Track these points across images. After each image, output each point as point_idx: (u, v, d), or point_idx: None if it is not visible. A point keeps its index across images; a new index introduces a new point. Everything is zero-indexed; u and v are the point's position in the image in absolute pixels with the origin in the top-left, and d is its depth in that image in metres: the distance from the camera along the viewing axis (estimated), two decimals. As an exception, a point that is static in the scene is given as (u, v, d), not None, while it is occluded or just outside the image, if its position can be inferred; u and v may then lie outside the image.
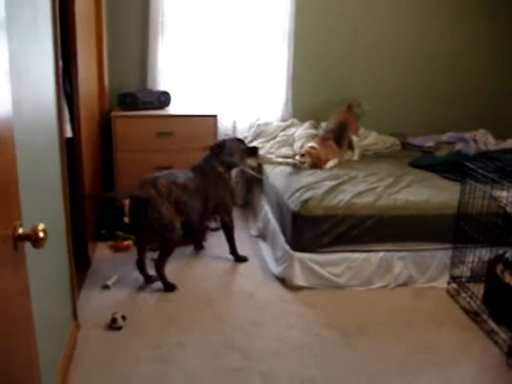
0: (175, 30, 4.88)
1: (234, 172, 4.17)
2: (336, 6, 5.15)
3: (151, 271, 3.63)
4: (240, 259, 4.02)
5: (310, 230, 3.53)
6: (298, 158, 4.28)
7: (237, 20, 4.96)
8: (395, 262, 3.65)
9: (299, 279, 3.57)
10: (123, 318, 3.13)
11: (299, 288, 3.59)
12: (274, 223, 4.08)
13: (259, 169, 4.73)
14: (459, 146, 4.95)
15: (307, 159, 4.28)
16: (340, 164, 4.49)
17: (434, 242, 3.68)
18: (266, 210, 4.35)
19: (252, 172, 4.62)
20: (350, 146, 4.79)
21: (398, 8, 5.25)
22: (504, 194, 3.50)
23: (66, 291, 2.91)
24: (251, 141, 4.93)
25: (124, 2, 4.82)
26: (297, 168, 4.25)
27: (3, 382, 1.30)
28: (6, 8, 1.41)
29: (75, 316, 3.06)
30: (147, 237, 3.67)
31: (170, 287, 3.57)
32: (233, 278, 3.79)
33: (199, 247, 4.23)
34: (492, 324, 3.23)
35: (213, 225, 4.58)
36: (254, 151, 4.08)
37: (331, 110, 5.02)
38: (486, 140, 5.06)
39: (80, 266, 3.77)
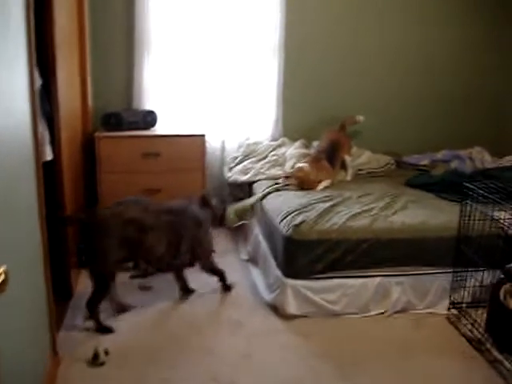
0: (161, 47, 4.73)
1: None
2: (328, 21, 5.04)
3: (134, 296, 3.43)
4: (227, 288, 3.76)
5: (302, 255, 3.36)
6: (281, 180, 4.11)
7: (224, 36, 4.82)
8: (393, 287, 3.48)
9: (292, 307, 3.39)
10: (106, 352, 2.93)
11: (292, 316, 3.40)
12: (264, 247, 3.90)
13: (249, 187, 4.57)
14: (455, 164, 4.82)
15: (293, 182, 4.13)
16: (333, 185, 4.33)
17: (432, 266, 3.51)
18: (257, 232, 4.18)
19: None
20: (343, 166, 4.63)
21: (391, 25, 5.15)
22: (505, 215, 3.35)
23: (45, 326, 2.73)
24: (241, 161, 4.76)
25: (108, 19, 4.67)
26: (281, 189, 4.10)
27: None
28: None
29: (55, 351, 2.87)
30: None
31: (103, 330, 3.22)
32: (221, 306, 3.59)
33: (186, 291, 3.70)
34: (495, 353, 3.06)
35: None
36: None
37: (323, 128, 4.88)
38: (482, 158, 4.92)
39: (62, 296, 3.59)
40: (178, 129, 4.63)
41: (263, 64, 4.92)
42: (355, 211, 3.64)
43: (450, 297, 3.51)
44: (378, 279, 3.46)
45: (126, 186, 4.31)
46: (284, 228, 3.45)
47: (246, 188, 4.60)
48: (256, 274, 4.03)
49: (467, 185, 3.35)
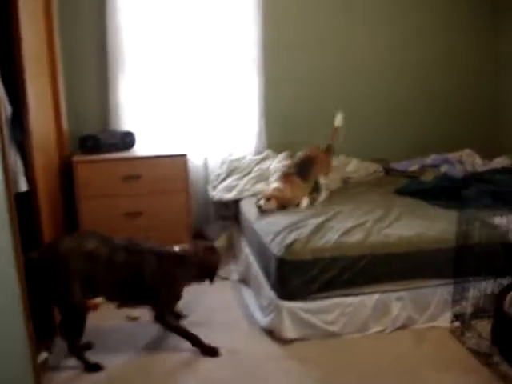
0: (136, 63, 4.56)
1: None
2: (309, 28, 4.91)
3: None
4: (207, 351, 3.17)
5: (297, 275, 3.20)
6: (262, 202, 3.89)
7: (202, 49, 4.66)
8: (392, 303, 3.34)
9: (289, 331, 3.23)
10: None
11: (290, 340, 3.24)
12: (256, 268, 3.74)
13: (235, 205, 4.41)
14: (444, 169, 4.72)
15: (273, 203, 3.90)
16: (311, 202, 4.12)
17: (432, 278, 3.38)
18: (247, 252, 4.02)
19: None
20: (317, 188, 4.33)
21: (377, 31, 5.06)
22: (505, 220, 3.23)
23: (26, 370, 2.54)
24: (225, 178, 4.60)
25: (80, 37, 4.49)
26: (263, 213, 3.87)
27: None
28: None
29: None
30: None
31: (92, 367, 3.03)
32: (214, 332, 3.39)
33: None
34: (505, 366, 2.92)
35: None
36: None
37: (309, 139, 4.74)
38: (472, 160, 4.82)
39: (46, 332, 3.39)
40: (158, 149, 4.44)
41: (243, 76, 4.78)
42: (348, 226, 3.50)
43: (452, 309, 3.37)
44: (376, 296, 3.31)
45: (107, 210, 4.13)
46: (275, 248, 3.29)
47: (232, 206, 4.43)
48: (248, 295, 3.86)
49: (465, 192, 3.23)
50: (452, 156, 4.89)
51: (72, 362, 3.10)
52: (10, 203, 2.42)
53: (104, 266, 2.99)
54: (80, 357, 3.08)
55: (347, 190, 4.51)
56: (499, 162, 4.77)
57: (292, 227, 3.46)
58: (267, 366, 3.04)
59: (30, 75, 3.21)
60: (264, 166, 4.67)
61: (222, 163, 4.80)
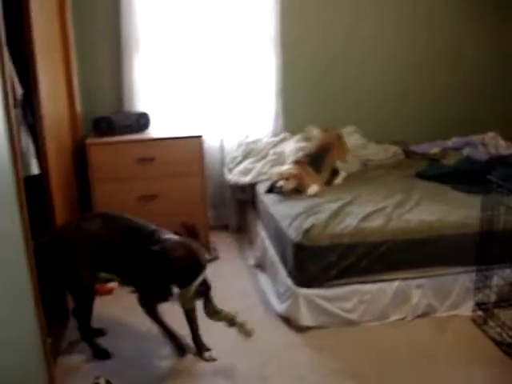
0: (150, 43, 4.45)
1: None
2: (326, 9, 4.76)
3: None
4: (178, 350, 3.02)
5: (314, 262, 3.12)
6: (282, 183, 3.79)
7: (218, 29, 4.54)
8: (412, 290, 3.24)
9: (306, 318, 3.15)
10: (108, 382, 2.69)
11: (306, 328, 3.17)
12: (272, 253, 3.66)
13: (251, 189, 4.31)
14: (466, 152, 4.57)
15: (293, 182, 3.79)
16: (322, 192, 3.86)
17: (454, 266, 3.27)
18: (263, 237, 3.93)
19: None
20: (335, 172, 4.22)
21: (393, 9, 4.87)
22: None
23: (37, 357, 2.48)
24: (241, 161, 4.51)
25: (93, 17, 4.39)
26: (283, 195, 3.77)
27: None
28: None
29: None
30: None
31: (101, 354, 3.00)
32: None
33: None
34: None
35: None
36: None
37: (326, 120, 4.63)
38: (496, 143, 4.65)
39: (58, 318, 3.36)
40: (173, 131, 4.35)
41: (260, 57, 4.65)
42: (368, 210, 3.40)
43: (475, 297, 3.27)
44: (396, 283, 3.22)
45: (121, 193, 4.07)
46: (293, 233, 3.20)
47: (249, 189, 4.35)
48: (265, 280, 3.79)
49: (489, 177, 3.10)
50: (475, 138, 4.73)
51: (84, 348, 3.07)
52: (19, 188, 2.34)
53: (106, 248, 2.91)
54: (90, 342, 3.04)
55: (366, 173, 4.38)
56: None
57: (310, 212, 3.38)
58: (282, 355, 2.97)
59: (42, 57, 3.13)
60: (280, 148, 4.56)
61: (239, 145, 4.71)
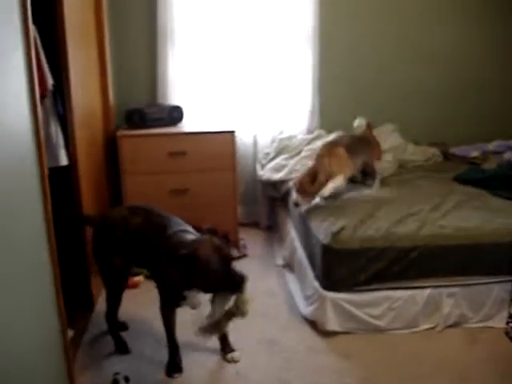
0: (186, 36, 4.40)
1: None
2: (366, 3, 4.64)
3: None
4: (170, 365, 2.82)
5: (343, 265, 3.02)
6: (295, 197, 3.49)
7: (254, 22, 4.46)
8: (444, 299, 3.12)
9: (332, 323, 3.06)
10: (126, 379, 2.66)
11: (332, 333, 3.08)
12: (301, 253, 3.58)
13: (283, 186, 4.22)
14: (508, 156, 4.38)
15: (304, 193, 3.42)
16: (343, 184, 3.55)
17: (489, 275, 3.13)
18: (293, 236, 3.85)
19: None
20: (370, 173, 3.90)
21: (438, 3, 4.72)
22: None
23: (56, 349, 2.46)
24: (274, 157, 4.42)
25: (129, 9, 4.38)
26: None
27: None
28: None
29: (71, 378, 2.60)
30: None
31: (121, 347, 2.96)
32: (254, 319, 3.24)
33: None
34: None
35: (234, 253, 4.11)
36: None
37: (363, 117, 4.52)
38: (540, 148, 4.47)
39: (82, 306, 3.35)
40: (205, 125, 4.30)
41: (297, 52, 4.55)
42: (401, 214, 3.28)
43: (509, 308, 3.12)
44: (427, 291, 3.10)
45: (152, 187, 4.04)
46: (321, 235, 3.11)
47: (281, 187, 4.26)
48: (292, 281, 3.71)
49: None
50: (517, 142, 4.56)
51: (105, 341, 3.05)
52: (44, 181, 2.31)
53: (140, 241, 2.83)
54: (114, 333, 3.03)
55: (403, 174, 4.24)
56: None
57: (341, 213, 3.28)
58: (305, 359, 2.89)
59: (74, 47, 3.11)
60: (315, 146, 4.46)
61: (272, 141, 4.63)
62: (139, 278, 3.70)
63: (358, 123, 4.06)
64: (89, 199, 3.42)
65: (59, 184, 3.14)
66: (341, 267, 3.02)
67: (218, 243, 2.56)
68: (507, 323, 3.12)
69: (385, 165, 4.22)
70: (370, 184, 3.86)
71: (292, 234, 3.88)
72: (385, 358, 2.89)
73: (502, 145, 4.56)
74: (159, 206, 3.07)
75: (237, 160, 4.17)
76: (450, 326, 3.15)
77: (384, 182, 4.00)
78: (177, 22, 4.34)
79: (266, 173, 4.32)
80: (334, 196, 3.53)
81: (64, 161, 3.15)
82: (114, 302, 3.01)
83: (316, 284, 3.16)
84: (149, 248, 2.77)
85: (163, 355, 2.84)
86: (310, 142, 4.52)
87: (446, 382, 2.70)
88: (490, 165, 4.20)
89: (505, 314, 3.15)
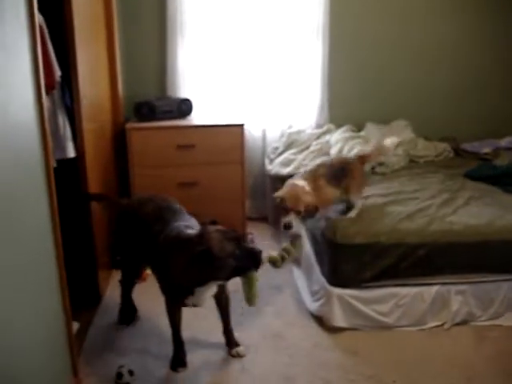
0: (196, 29, 4.37)
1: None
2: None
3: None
4: (174, 361, 2.80)
5: (349, 261, 3.00)
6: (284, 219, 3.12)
7: (264, 15, 4.43)
8: (452, 296, 3.08)
9: (339, 319, 3.04)
10: (130, 372, 2.65)
11: (339, 329, 3.06)
12: (308, 249, 3.55)
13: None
14: (520, 153, 4.34)
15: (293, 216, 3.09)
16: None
17: (498, 273, 3.10)
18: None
19: None
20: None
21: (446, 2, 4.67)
22: None
23: (60, 342, 2.46)
24: (283, 152, 4.40)
25: (138, 1, 4.35)
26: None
27: None
28: None
29: (75, 371, 2.60)
30: None
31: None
32: (260, 314, 3.25)
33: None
34: None
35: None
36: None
37: (373, 114, 4.48)
38: (553, 145, 4.41)
39: (89, 300, 3.35)
40: (214, 118, 4.28)
41: (306, 45, 4.51)
42: (410, 210, 3.25)
43: (519, 307, 3.10)
44: (435, 288, 3.07)
45: (160, 179, 4.01)
46: (327, 230, 3.08)
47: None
48: (299, 277, 3.68)
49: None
50: (530, 139, 4.50)
51: (110, 335, 3.05)
52: (49, 174, 2.30)
53: (144, 234, 2.82)
54: (123, 304, 3.16)
55: (413, 169, 4.20)
56: None
57: (348, 208, 3.25)
58: (311, 355, 2.87)
59: (83, 39, 3.10)
60: (324, 139, 4.44)
61: (281, 136, 4.60)
62: (146, 272, 3.69)
63: (391, 143, 3.48)
64: (96, 191, 3.40)
65: (67, 176, 3.15)
66: (347, 263, 3.00)
67: (222, 228, 2.54)
68: (516, 321, 3.10)
69: (394, 159, 4.19)
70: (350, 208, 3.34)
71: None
72: (391, 356, 2.87)
73: (514, 141, 4.51)
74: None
75: (245, 154, 4.15)
76: (458, 324, 3.12)
77: (395, 176, 3.99)
78: (186, 14, 4.31)
79: (275, 167, 4.29)
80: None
81: (71, 153, 3.15)
82: (126, 285, 3.16)
83: (323, 280, 3.13)
84: (150, 243, 2.75)
85: (168, 350, 2.83)
86: (319, 136, 4.49)
87: (454, 380, 2.68)
88: (501, 161, 4.15)
89: (514, 312, 3.12)
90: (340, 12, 4.48)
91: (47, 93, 2.74)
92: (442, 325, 3.11)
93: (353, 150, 4.10)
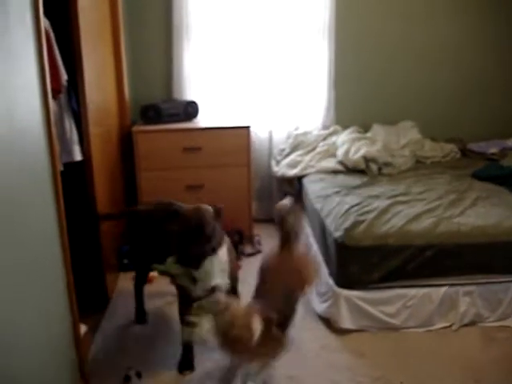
0: (201, 31, 4.39)
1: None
2: (382, -1, 4.58)
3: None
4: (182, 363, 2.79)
5: (356, 262, 2.99)
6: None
7: (269, 17, 4.43)
8: (460, 298, 3.07)
9: (346, 321, 3.04)
10: (138, 374, 2.66)
11: (346, 331, 3.05)
12: (315, 250, 3.55)
13: (298, 182, 4.21)
14: (527, 153, 4.32)
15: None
16: None
17: (506, 274, 3.08)
18: (307, 233, 3.82)
19: None
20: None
21: (452, 3, 4.65)
22: None
23: (68, 345, 2.47)
24: (289, 153, 4.40)
25: (144, 4, 4.37)
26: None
27: None
28: None
29: (82, 374, 2.61)
30: None
31: (141, 318, 3.19)
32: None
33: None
34: None
35: (248, 249, 4.11)
36: None
37: (378, 115, 4.47)
38: (560, 144, 4.39)
39: (97, 303, 3.36)
40: (221, 120, 4.29)
41: (312, 47, 4.52)
42: (417, 211, 3.24)
43: (527, 308, 3.09)
44: (443, 289, 3.06)
45: (167, 182, 4.03)
46: (335, 231, 3.09)
47: (296, 183, 4.24)
48: (306, 278, 3.68)
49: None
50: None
51: (117, 337, 3.05)
52: (56, 177, 2.32)
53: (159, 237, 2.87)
54: (138, 305, 3.22)
55: (420, 170, 4.20)
56: None
57: (356, 209, 3.25)
58: (318, 357, 2.87)
59: (89, 43, 3.11)
60: (330, 141, 4.45)
61: (288, 137, 4.60)
62: (154, 274, 3.69)
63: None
64: (103, 194, 3.42)
65: (74, 179, 3.17)
66: (354, 264, 2.99)
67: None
68: (524, 323, 3.08)
69: (400, 160, 4.19)
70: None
71: (307, 230, 3.85)
72: (399, 357, 2.86)
73: (522, 141, 4.49)
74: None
75: (252, 155, 4.15)
76: (466, 325, 3.11)
77: (400, 177, 4.00)
78: (192, 17, 4.33)
79: (281, 169, 4.30)
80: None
81: (78, 156, 3.16)
82: (138, 287, 3.22)
83: (330, 281, 3.13)
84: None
85: (176, 352, 2.83)
86: (325, 137, 4.50)
87: (461, 382, 2.67)
88: (508, 161, 4.13)
89: (522, 313, 3.10)
90: (346, 13, 4.48)
91: (54, 97, 2.76)
92: (450, 326, 3.10)
93: (360, 150, 4.09)
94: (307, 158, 4.25)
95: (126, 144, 4.11)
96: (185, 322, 2.62)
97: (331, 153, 4.31)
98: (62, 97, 3.05)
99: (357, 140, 4.29)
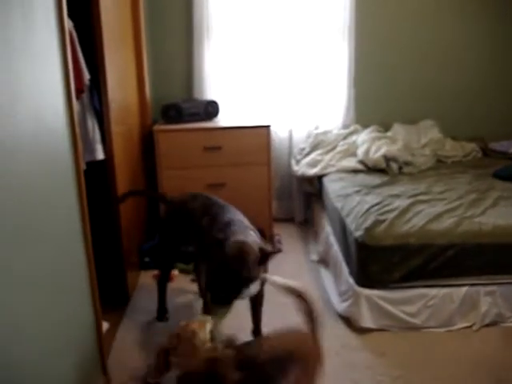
0: (222, 32, 4.42)
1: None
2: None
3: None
4: None
5: (377, 262, 2.99)
6: None
7: (289, 17, 4.44)
8: (481, 297, 3.05)
9: (367, 320, 3.04)
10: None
11: (367, 330, 3.05)
12: (336, 249, 3.55)
13: (318, 181, 4.22)
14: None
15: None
16: None
17: (528, 274, 3.06)
18: (328, 232, 3.83)
19: None
20: None
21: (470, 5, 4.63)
22: None
23: (91, 343, 2.50)
24: (309, 152, 4.40)
25: (165, 5, 4.41)
26: None
27: None
28: None
29: (104, 370, 2.65)
30: None
31: (161, 315, 3.22)
32: (288, 315, 3.24)
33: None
34: None
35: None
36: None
37: (399, 114, 4.45)
38: None
39: (118, 301, 3.40)
40: (241, 120, 4.30)
41: (332, 46, 4.51)
42: (438, 210, 3.22)
43: (549, 308, 3.06)
44: (464, 289, 3.04)
45: (187, 181, 4.05)
46: (356, 230, 3.09)
47: (316, 182, 4.24)
48: (327, 277, 3.69)
49: None
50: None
51: (140, 332, 3.08)
52: (79, 176, 2.34)
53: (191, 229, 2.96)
54: (160, 302, 3.24)
55: (441, 170, 4.17)
56: None
57: (376, 208, 3.25)
58: (339, 356, 2.87)
59: (111, 44, 3.14)
60: (351, 140, 4.44)
61: (308, 136, 4.60)
62: (175, 272, 3.73)
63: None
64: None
65: (95, 178, 3.20)
66: (375, 264, 2.99)
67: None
68: (547, 323, 3.05)
69: (421, 159, 4.18)
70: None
71: (327, 229, 3.86)
72: (419, 357, 2.85)
73: (544, 140, 4.45)
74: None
75: (272, 155, 4.16)
76: (487, 325, 3.08)
77: (421, 176, 3.99)
78: (213, 17, 4.35)
79: (301, 168, 4.31)
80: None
81: (100, 155, 3.20)
82: (161, 278, 3.23)
83: (351, 280, 3.13)
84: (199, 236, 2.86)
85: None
86: (345, 136, 4.49)
87: (482, 382, 2.65)
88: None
89: (545, 313, 3.08)
90: (366, 12, 4.47)
91: (77, 97, 2.79)
92: (471, 326, 3.08)
93: (380, 150, 4.08)
94: (327, 157, 4.25)
95: (147, 143, 4.14)
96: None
97: (351, 152, 4.31)
98: (85, 96, 3.09)
99: (377, 139, 4.28)
